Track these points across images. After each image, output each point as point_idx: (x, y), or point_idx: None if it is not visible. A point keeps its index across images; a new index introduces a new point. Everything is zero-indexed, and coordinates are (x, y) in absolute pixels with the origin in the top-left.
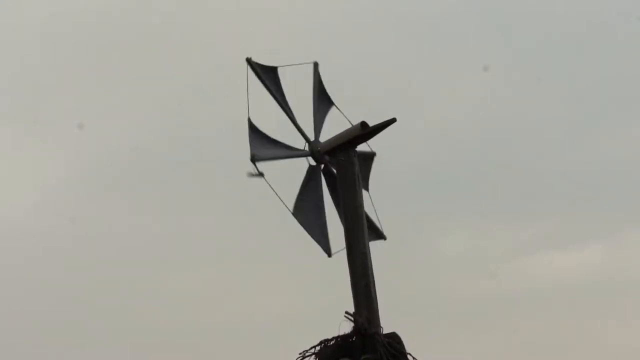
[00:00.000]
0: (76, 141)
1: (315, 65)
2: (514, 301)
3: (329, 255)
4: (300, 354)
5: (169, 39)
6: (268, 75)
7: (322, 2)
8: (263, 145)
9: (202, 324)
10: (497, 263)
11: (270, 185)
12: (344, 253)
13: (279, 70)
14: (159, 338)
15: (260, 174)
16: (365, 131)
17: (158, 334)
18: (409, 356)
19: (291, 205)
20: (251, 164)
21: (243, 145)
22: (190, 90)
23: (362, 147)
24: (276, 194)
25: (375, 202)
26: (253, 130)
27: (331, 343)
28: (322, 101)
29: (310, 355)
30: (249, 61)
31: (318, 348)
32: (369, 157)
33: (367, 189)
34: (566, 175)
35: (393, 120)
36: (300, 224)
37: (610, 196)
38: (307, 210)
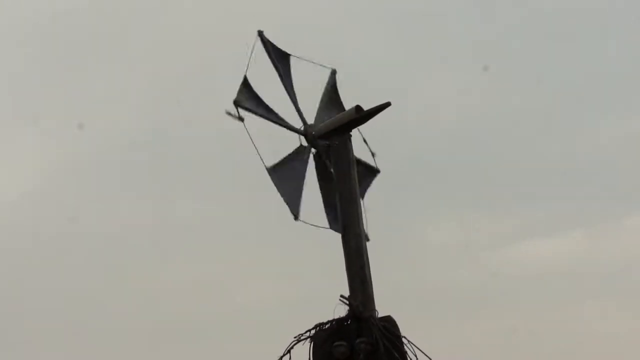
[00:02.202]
0: (75, 139)
1: (333, 71)
2: (500, 287)
3: (296, 217)
4: (295, 337)
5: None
6: (278, 55)
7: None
8: (253, 101)
9: (201, 311)
10: (482, 252)
11: (248, 134)
12: (339, 239)
13: (292, 60)
14: (159, 327)
15: (240, 119)
16: (360, 115)
17: (157, 323)
18: (403, 339)
19: (268, 163)
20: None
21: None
22: (189, 87)
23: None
24: (254, 146)
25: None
26: (246, 85)
27: (326, 327)
28: (332, 104)
29: (305, 339)
30: (260, 34)
31: (313, 332)
32: (373, 172)
33: (362, 197)
34: (547, 167)
35: (387, 104)
36: (273, 182)
37: (589, 187)
38: (284, 176)
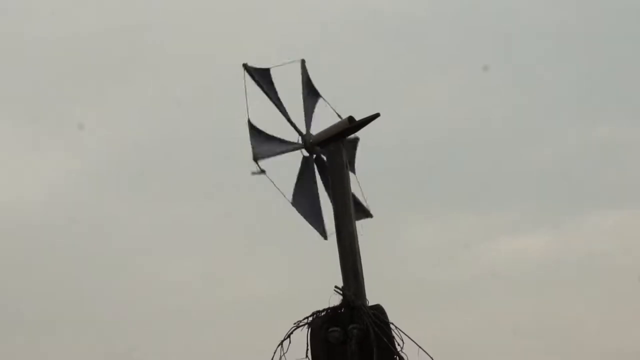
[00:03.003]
0: (79, 141)
1: (303, 62)
2: (477, 281)
3: (325, 237)
4: (294, 323)
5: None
6: (262, 76)
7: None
8: (262, 143)
9: (207, 302)
10: (461, 249)
11: (272, 181)
12: (333, 236)
13: (272, 71)
14: (166, 316)
15: (263, 171)
16: (352, 124)
17: (165, 313)
18: (391, 325)
19: (290, 196)
20: (254, 162)
21: (241, 142)
22: (190, 91)
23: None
24: (277, 189)
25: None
26: (253, 130)
27: (322, 314)
28: (310, 95)
29: (303, 325)
30: (245, 66)
31: (310, 319)
32: (353, 142)
33: (353, 171)
34: (518, 171)
35: (377, 115)
36: (299, 213)
37: (557, 188)
38: (303, 199)
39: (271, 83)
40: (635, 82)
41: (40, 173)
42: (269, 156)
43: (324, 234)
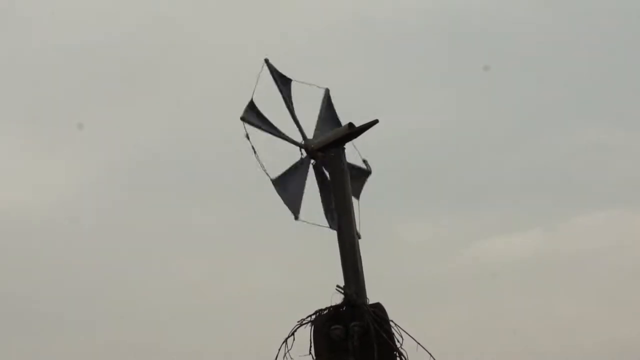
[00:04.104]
0: (85, 145)
1: (327, 91)
2: (470, 278)
3: (296, 217)
4: (298, 321)
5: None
6: (282, 80)
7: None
8: (258, 118)
9: (215, 300)
10: (454, 248)
11: (253, 149)
12: (336, 238)
13: (293, 84)
14: (177, 313)
15: (246, 136)
16: (352, 130)
17: (177, 309)
18: (391, 322)
19: (273, 176)
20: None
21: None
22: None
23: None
24: (258, 160)
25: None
26: (252, 107)
27: (325, 312)
28: (329, 120)
29: (307, 323)
30: (266, 61)
31: (314, 317)
32: (365, 173)
33: (357, 197)
34: (510, 173)
35: (376, 122)
36: (276, 191)
37: (547, 190)
38: (286, 184)
39: (289, 91)
40: (623, 88)
41: (65, 175)
42: (258, 127)
43: (295, 213)
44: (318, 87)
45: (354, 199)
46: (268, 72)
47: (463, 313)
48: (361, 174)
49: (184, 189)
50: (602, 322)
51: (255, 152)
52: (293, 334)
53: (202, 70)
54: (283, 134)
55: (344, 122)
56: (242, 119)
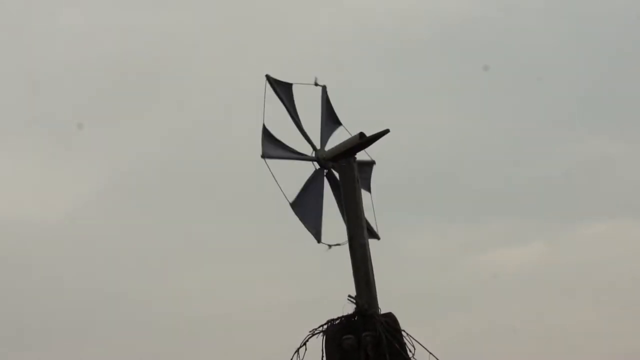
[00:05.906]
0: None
1: (324, 88)
2: (473, 289)
3: (318, 240)
4: (310, 331)
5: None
6: (283, 90)
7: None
8: (274, 147)
9: (223, 313)
10: (456, 259)
11: (274, 178)
12: (346, 248)
13: (293, 87)
14: (191, 323)
15: (272, 175)
16: (363, 140)
17: (191, 320)
18: (403, 332)
19: (292, 199)
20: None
21: (253, 152)
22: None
23: (362, 156)
24: (279, 187)
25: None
26: (266, 134)
27: (336, 322)
28: (330, 119)
29: (319, 333)
30: (267, 77)
31: (325, 326)
32: (370, 164)
33: (369, 190)
34: (510, 187)
35: (386, 131)
36: (296, 215)
37: (547, 204)
38: (305, 204)
39: (291, 97)
40: (626, 99)
41: (74, 186)
42: (277, 157)
43: (317, 236)
44: (316, 84)
45: (367, 193)
46: (270, 87)
47: (475, 322)
48: (366, 166)
49: (197, 199)
50: (605, 329)
51: (277, 182)
52: (305, 343)
53: (203, 81)
54: (297, 154)
55: (348, 126)
56: (264, 156)
